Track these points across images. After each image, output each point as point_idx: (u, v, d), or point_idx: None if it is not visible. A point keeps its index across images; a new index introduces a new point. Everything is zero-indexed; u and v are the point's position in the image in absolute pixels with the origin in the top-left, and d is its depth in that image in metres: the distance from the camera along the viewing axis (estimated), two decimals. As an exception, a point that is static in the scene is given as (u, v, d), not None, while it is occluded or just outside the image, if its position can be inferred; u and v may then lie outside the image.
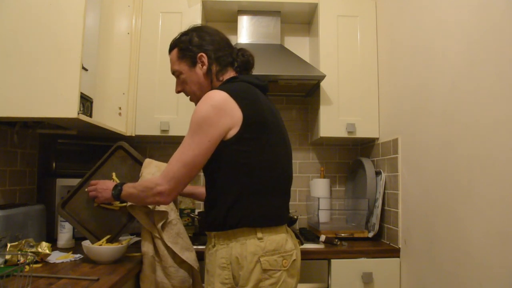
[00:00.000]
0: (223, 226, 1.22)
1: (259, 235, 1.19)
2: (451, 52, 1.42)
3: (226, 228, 1.21)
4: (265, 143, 1.23)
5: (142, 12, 2.14)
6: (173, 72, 1.41)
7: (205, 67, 1.34)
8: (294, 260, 1.24)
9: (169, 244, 1.43)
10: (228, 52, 1.36)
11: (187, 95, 1.42)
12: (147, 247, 1.46)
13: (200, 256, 1.51)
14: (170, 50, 1.41)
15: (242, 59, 1.37)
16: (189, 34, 1.36)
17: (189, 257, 1.46)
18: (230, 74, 1.36)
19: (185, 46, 1.35)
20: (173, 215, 1.49)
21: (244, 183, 1.21)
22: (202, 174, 2.09)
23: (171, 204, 1.50)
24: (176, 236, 1.46)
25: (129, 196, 1.35)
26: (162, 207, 1.45)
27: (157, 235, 1.44)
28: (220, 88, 1.25)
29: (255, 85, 1.32)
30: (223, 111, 1.18)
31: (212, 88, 1.31)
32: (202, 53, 1.33)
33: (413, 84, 1.72)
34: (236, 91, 1.22)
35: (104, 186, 1.43)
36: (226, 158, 1.21)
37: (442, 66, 1.47)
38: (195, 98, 1.38)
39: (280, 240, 1.22)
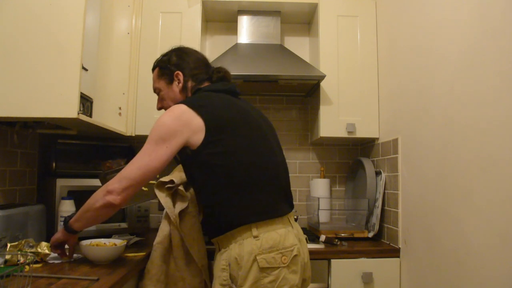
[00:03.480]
0: (220, 230, 1.26)
1: (255, 232, 1.21)
2: (451, 52, 1.42)
3: (223, 231, 1.25)
4: (237, 142, 1.27)
5: (142, 12, 2.14)
6: (154, 90, 1.50)
7: (180, 84, 1.43)
8: (296, 255, 1.23)
9: (182, 234, 1.46)
10: (204, 70, 1.46)
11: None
12: (162, 238, 1.48)
13: (210, 256, 1.51)
14: (153, 69, 1.51)
15: (218, 75, 1.45)
16: (168, 55, 1.47)
17: (196, 253, 1.47)
18: None
19: (164, 65, 1.46)
20: (192, 207, 1.50)
21: (226, 183, 1.24)
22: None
23: (191, 195, 1.52)
24: (190, 228, 1.48)
25: (78, 217, 1.30)
26: (182, 194, 1.48)
27: (174, 222, 1.46)
28: (180, 102, 1.32)
29: (221, 91, 1.39)
30: (181, 121, 1.25)
31: None
32: (178, 71, 1.43)
33: (413, 84, 1.72)
34: (193, 101, 1.30)
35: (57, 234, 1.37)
36: (203, 164, 1.25)
37: (442, 66, 1.47)
38: None
39: (277, 237, 1.22)
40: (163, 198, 1.47)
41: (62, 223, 1.62)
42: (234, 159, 1.25)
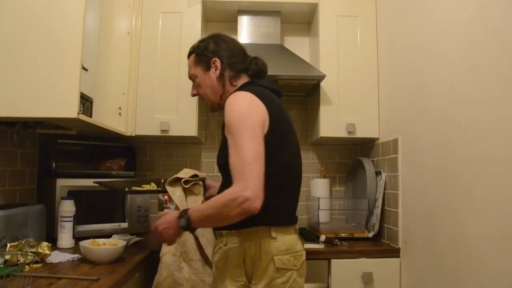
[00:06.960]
0: (238, 224, 1.18)
1: (273, 234, 1.21)
2: (450, 52, 1.42)
3: (241, 226, 1.21)
4: (285, 145, 1.26)
5: (142, 12, 2.14)
6: (190, 76, 1.46)
7: (218, 72, 1.38)
8: (303, 260, 1.28)
9: (196, 235, 1.45)
10: (241, 60, 1.41)
11: (201, 98, 1.46)
12: (167, 248, 1.46)
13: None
14: (188, 55, 1.47)
15: (255, 67, 1.42)
16: (206, 41, 1.44)
17: (211, 253, 1.46)
18: (243, 80, 1.40)
19: (201, 52, 1.42)
20: None
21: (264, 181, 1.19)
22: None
23: (202, 192, 1.51)
24: (203, 228, 1.47)
25: (204, 220, 1.20)
26: (194, 191, 1.48)
27: None
28: (242, 90, 1.27)
29: (270, 90, 1.36)
30: (257, 107, 1.21)
31: (224, 92, 1.36)
32: (216, 58, 1.39)
33: (413, 84, 1.72)
34: (259, 93, 1.26)
35: (164, 224, 1.26)
36: None
37: (442, 66, 1.47)
38: (208, 101, 1.44)
39: (292, 241, 1.25)
40: (176, 195, 1.42)
41: (69, 226, 1.63)
42: (277, 161, 1.22)
